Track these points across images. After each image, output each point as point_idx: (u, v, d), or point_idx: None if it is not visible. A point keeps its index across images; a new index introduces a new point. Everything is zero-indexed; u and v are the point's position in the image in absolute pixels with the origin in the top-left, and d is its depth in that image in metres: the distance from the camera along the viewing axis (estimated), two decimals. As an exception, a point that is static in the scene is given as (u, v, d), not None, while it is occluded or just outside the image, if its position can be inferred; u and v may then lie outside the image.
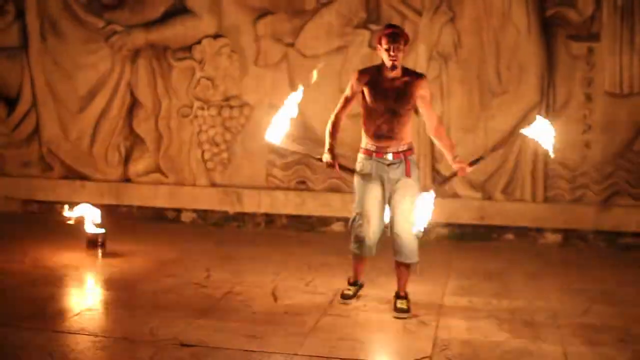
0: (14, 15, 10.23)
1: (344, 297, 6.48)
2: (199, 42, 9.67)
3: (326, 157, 6.22)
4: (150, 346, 5.43)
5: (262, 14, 9.50)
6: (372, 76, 6.16)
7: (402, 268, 6.31)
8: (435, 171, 9.07)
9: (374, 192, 6.17)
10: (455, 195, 9.10)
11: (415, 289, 6.50)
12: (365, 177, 6.19)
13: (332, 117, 6.35)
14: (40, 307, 6.26)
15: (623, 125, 8.69)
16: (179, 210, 9.98)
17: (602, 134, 8.74)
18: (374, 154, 6.16)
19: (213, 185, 9.86)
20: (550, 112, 8.77)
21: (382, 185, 6.16)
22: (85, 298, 6.75)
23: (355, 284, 6.59)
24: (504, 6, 8.75)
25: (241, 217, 9.71)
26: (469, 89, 8.96)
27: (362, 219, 6.21)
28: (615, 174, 8.77)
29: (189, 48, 9.73)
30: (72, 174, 10.32)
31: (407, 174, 6.13)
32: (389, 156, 6.12)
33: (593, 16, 8.66)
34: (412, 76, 6.19)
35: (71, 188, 10.18)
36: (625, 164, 8.75)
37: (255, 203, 9.59)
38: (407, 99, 6.08)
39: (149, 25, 9.81)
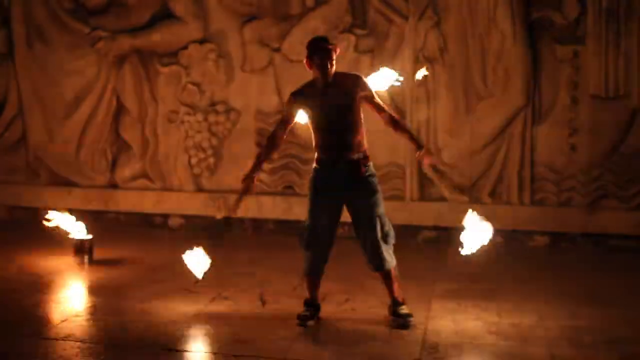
0: (-1, 22, 10.24)
1: (301, 318, 6.03)
2: (185, 47, 9.68)
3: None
4: (138, 352, 5.41)
5: (248, 19, 9.51)
6: (308, 94, 5.96)
7: (385, 276, 6.07)
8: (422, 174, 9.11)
9: (326, 204, 5.96)
10: (442, 199, 9.10)
11: (404, 293, 6.49)
12: (318, 188, 5.99)
13: (270, 137, 6.19)
14: (27, 313, 6.23)
15: (609, 128, 8.72)
16: (166, 216, 9.97)
17: (588, 137, 8.76)
18: (326, 164, 5.97)
19: (200, 190, 9.84)
20: (536, 115, 8.82)
21: (336, 196, 5.96)
22: (72, 304, 6.71)
23: (313, 304, 6.20)
24: (489, 10, 8.77)
25: (228, 222, 9.69)
26: (454, 92, 8.98)
27: (311, 233, 6.00)
28: (602, 177, 8.79)
29: (175, 53, 9.75)
30: (59, 181, 10.30)
31: (361, 174, 5.89)
32: (341, 165, 5.90)
33: (578, 19, 8.70)
34: (347, 81, 5.95)
35: (58, 194, 10.14)
36: (612, 166, 8.77)
37: (243, 208, 9.53)
38: (348, 107, 5.87)
39: (135, 30, 9.81)
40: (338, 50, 5.97)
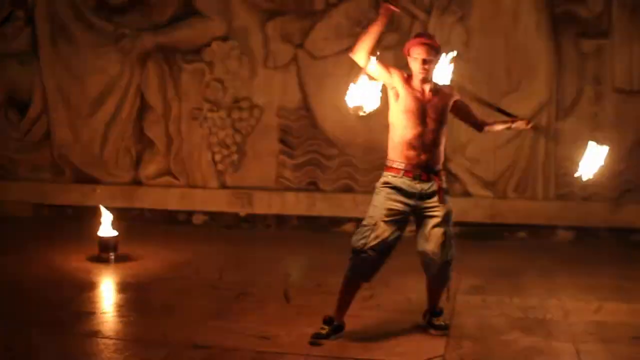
0: (24, 21, 10.29)
1: (314, 336, 5.50)
2: (208, 44, 9.69)
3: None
4: (163, 348, 5.43)
5: (271, 15, 9.51)
6: (404, 81, 5.42)
7: (436, 288, 5.80)
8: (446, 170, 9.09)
9: (397, 207, 5.40)
10: (466, 194, 9.08)
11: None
12: (391, 192, 5.41)
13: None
14: (53, 310, 6.27)
15: (634, 122, 8.67)
16: (190, 213, 10.00)
17: (613, 131, 8.69)
18: (402, 172, 5.40)
19: (224, 187, 9.87)
20: (561, 109, 8.78)
21: (409, 205, 5.42)
22: (98, 301, 6.76)
23: (331, 322, 5.60)
24: (513, 5, 8.75)
25: (252, 219, 9.71)
26: (478, 87, 8.93)
27: (371, 229, 5.45)
28: (626, 172, 8.74)
29: (198, 50, 9.76)
30: (84, 178, 10.34)
31: (440, 200, 5.49)
32: (420, 177, 5.40)
33: (602, 13, 8.65)
34: (443, 89, 5.56)
35: (82, 192, 10.20)
36: (637, 160, 8.71)
37: (266, 204, 9.59)
38: (441, 114, 5.44)
39: (158, 28, 9.84)
40: (438, 53, 5.55)
